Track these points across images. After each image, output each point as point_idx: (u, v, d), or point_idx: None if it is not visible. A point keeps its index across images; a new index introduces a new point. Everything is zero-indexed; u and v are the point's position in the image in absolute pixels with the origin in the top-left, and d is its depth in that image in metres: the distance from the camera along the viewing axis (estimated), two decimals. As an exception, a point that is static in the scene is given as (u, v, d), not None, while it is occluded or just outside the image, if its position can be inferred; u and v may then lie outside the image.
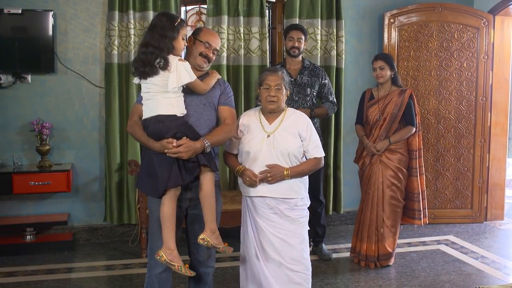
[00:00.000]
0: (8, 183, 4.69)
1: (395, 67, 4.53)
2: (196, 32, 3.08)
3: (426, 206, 4.63)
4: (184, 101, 2.94)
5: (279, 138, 3.20)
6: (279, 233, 3.20)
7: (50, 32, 4.92)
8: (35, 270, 4.50)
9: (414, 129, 4.46)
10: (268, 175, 3.14)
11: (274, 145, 3.18)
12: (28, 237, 4.97)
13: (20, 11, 4.80)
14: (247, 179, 3.16)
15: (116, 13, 5.02)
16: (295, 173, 3.19)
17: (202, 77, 3.05)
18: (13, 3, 4.86)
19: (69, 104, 5.15)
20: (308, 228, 3.37)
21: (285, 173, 3.16)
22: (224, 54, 5.25)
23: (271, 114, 3.26)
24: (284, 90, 3.23)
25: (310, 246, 4.93)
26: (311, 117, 4.67)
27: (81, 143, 5.21)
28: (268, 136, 3.19)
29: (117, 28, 5.04)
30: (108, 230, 5.32)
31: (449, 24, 5.75)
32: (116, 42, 5.04)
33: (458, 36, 5.77)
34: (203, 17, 5.54)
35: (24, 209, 5.11)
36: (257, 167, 3.17)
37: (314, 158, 3.29)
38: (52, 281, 4.27)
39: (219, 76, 3.14)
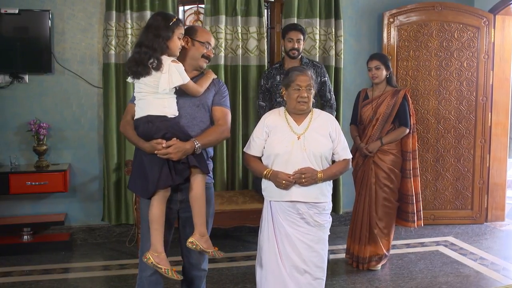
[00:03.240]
0: (5, 183, 4.68)
1: (391, 67, 4.49)
2: (192, 33, 3.01)
3: (421, 209, 4.58)
4: (177, 102, 2.91)
5: (311, 139, 3.11)
6: (306, 239, 3.12)
7: (47, 32, 4.92)
8: (31, 270, 4.49)
9: (407, 130, 4.42)
10: (303, 176, 3.03)
11: (306, 147, 3.08)
12: (25, 237, 4.97)
13: (17, 11, 4.80)
14: (283, 181, 3.04)
15: (114, 13, 5.01)
16: (327, 176, 3.11)
17: (197, 77, 3.02)
18: (10, 3, 4.86)
19: (67, 104, 5.15)
20: (329, 233, 3.29)
21: (319, 176, 3.06)
22: (222, 54, 5.23)
23: (298, 115, 3.18)
24: (313, 91, 3.17)
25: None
26: None
27: (79, 143, 5.20)
28: (299, 137, 3.11)
29: (114, 28, 5.03)
30: (105, 230, 5.32)
31: (449, 24, 5.71)
32: (113, 42, 5.03)
33: (458, 35, 5.72)
34: (201, 17, 5.52)
35: (22, 209, 5.11)
36: (288, 170, 3.06)
37: (344, 160, 3.20)
38: (47, 281, 4.27)
39: (214, 76, 3.10)
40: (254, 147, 3.20)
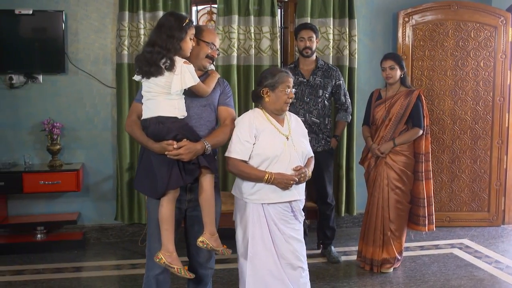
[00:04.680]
0: (19, 182, 4.74)
1: (405, 67, 4.42)
2: (198, 32, 3.00)
3: (433, 213, 4.50)
4: (184, 102, 2.91)
5: (297, 140, 3.14)
6: (296, 235, 3.14)
7: (61, 33, 4.97)
8: (43, 269, 4.53)
9: (421, 131, 4.34)
10: (302, 175, 3.06)
11: (296, 147, 3.10)
12: (38, 235, 5.02)
13: (31, 12, 4.85)
14: (291, 182, 3.02)
15: (126, 13, 5.03)
16: (310, 173, 3.18)
17: (202, 77, 3.02)
18: (24, 4, 4.91)
19: (80, 104, 5.19)
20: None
21: (309, 173, 3.13)
22: (235, 54, 5.21)
23: (279, 115, 3.16)
24: None
25: (319, 249, 4.93)
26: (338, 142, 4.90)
27: (92, 143, 5.24)
28: (287, 138, 3.10)
29: (127, 28, 5.05)
30: (118, 230, 5.34)
31: (465, 23, 5.62)
32: (126, 42, 5.05)
33: (474, 35, 5.63)
34: (214, 17, 5.52)
35: (36, 208, 5.17)
36: (285, 171, 3.04)
37: (311, 156, 3.27)
38: (58, 280, 4.30)
39: (218, 76, 3.11)
40: (243, 151, 3.05)
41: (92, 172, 5.27)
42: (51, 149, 4.96)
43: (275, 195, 3.06)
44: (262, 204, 3.08)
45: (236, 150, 3.05)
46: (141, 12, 5.05)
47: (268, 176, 3.00)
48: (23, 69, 5.00)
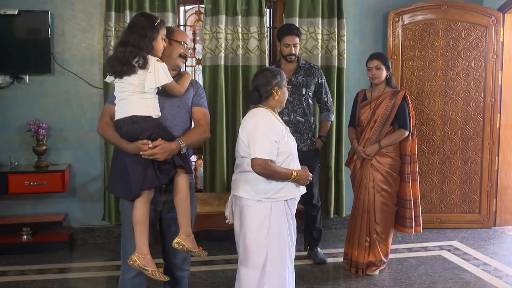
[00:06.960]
0: (4, 183, 4.71)
1: (391, 67, 4.38)
2: (169, 33, 3.00)
3: (420, 214, 4.45)
4: (158, 103, 2.89)
5: (292, 135, 3.26)
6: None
7: (48, 33, 4.94)
8: (27, 270, 4.51)
9: (407, 133, 4.29)
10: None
11: (294, 142, 3.21)
12: (24, 236, 4.99)
13: (16, 12, 4.82)
14: (309, 177, 3.17)
15: (113, 13, 5.00)
16: None
17: (175, 78, 3.00)
18: (10, 4, 4.88)
19: (67, 104, 5.16)
20: None
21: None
22: (222, 54, 5.18)
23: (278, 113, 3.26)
24: None
25: (306, 250, 4.89)
26: (324, 143, 4.86)
27: (79, 144, 5.21)
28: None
29: (113, 29, 5.02)
30: (105, 231, 5.32)
31: (456, 23, 5.57)
32: (112, 43, 5.01)
33: (465, 34, 5.58)
34: (202, 17, 5.49)
35: (22, 209, 5.14)
36: (297, 166, 3.17)
37: None
38: (41, 282, 4.28)
39: (191, 77, 3.11)
40: (273, 151, 3.03)
41: (79, 173, 5.24)
42: (37, 150, 4.94)
43: (296, 190, 3.16)
44: (284, 200, 3.11)
45: (268, 151, 3.01)
46: (127, 12, 5.02)
47: (295, 173, 3.08)
48: (9, 69, 4.97)
